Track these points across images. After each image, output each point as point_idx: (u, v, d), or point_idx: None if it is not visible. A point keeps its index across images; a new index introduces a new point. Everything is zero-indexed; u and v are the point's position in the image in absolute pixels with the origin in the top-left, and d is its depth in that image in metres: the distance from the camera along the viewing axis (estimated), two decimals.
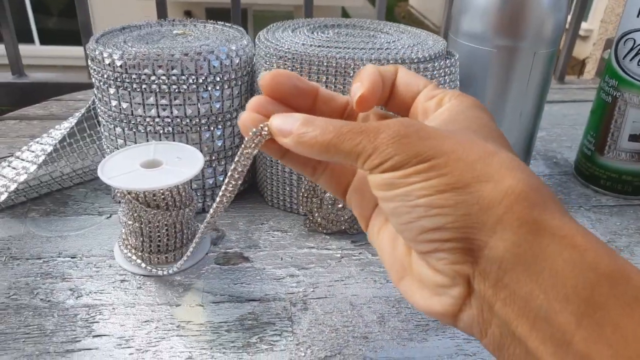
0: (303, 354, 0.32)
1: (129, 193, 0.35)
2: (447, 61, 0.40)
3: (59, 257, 0.39)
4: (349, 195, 0.29)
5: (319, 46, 0.40)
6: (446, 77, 0.40)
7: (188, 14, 4.54)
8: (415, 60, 0.39)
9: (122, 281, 0.37)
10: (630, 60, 0.47)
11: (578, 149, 0.55)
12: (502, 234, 0.22)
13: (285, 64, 0.40)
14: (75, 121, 0.47)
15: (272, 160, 0.44)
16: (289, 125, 0.25)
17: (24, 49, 0.83)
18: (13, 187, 0.42)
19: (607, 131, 0.50)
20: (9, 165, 0.45)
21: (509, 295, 0.21)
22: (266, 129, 0.25)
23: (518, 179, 0.22)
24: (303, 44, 0.41)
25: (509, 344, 0.22)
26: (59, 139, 0.45)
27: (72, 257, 0.39)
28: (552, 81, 0.49)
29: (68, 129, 0.46)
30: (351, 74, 0.39)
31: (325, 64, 0.39)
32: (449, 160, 0.23)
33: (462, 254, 0.23)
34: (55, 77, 0.83)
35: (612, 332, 0.19)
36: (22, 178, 0.43)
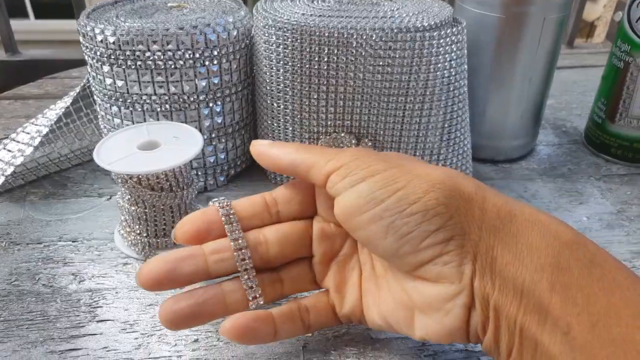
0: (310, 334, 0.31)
1: (131, 178, 0.34)
2: (454, 29, 0.38)
3: (60, 241, 0.38)
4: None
5: (320, 16, 0.39)
6: (453, 46, 0.39)
7: None
8: (421, 29, 0.37)
9: (124, 264, 0.36)
10: None
11: (588, 116, 0.54)
12: (489, 222, 0.24)
13: (285, 35, 0.38)
14: (71, 100, 0.46)
15: (274, 138, 0.43)
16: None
17: (18, 24, 0.81)
18: (10, 170, 0.41)
19: (619, 98, 0.49)
20: (4, 148, 0.44)
21: (502, 282, 0.23)
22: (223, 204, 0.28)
23: (466, 176, 0.25)
24: (303, 14, 0.39)
25: (504, 333, 0.23)
26: (55, 119, 0.44)
27: (72, 241, 0.38)
28: (561, 46, 0.47)
29: (63, 109, 0.45)
30: (354, 45, 0.37)
31: (326, 34, 0.37)
32: (410, 167, 0.25)
33: (464, 252, 0.24)
34: (50, 54, 0.81)
35: (577, 291, 0.21)
36: (19, 161, 0.42)
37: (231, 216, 0.28)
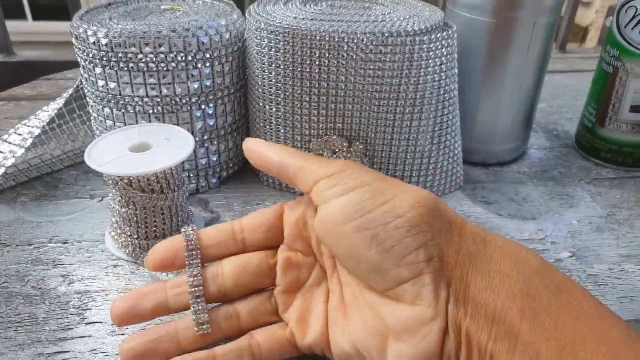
0: None
1: (122, 180, 0.34)
2: (445, 33, 0.39)
3: (50, 243, 0.38)
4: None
5: (312, 20, 0.39)
6: (443, 50, 0.39)
7: None
8: (412, 33, 0.38)
9: (114, 266, 0.36)
10: (632, 29, 0.45)
11: (579, 121, 0.54)
12: (465, 248, 0.24)
13: (277, 39, 0.38)
14: (64, 102, 0.46)
15: (266, 141, 0.43)
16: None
17: (16, 25, 0.81)
18: (1, 171, 0.41)
19: (608, 102, 0.49)
20: None
21: (475, 308, 0.23)
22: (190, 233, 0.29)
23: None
24: (295, 18, 0.39)
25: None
26: (47, 121, 0.44)
27: (63, 243, 0.38)
28: (553, 51, 0.48)
29: (56, 111, 0.45)
30: (345, 48, 0.37)
31: (318, 38, 0.37)
32: (396, 183, 0.26)
33: (441, 275, 0.24)
34: (46, 56, 0.81)
35: (545, 317, 0.21)
36: (10, 162, 0.42)
37: (192, 243, 0.28)
